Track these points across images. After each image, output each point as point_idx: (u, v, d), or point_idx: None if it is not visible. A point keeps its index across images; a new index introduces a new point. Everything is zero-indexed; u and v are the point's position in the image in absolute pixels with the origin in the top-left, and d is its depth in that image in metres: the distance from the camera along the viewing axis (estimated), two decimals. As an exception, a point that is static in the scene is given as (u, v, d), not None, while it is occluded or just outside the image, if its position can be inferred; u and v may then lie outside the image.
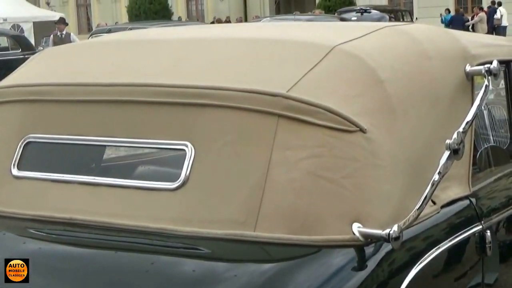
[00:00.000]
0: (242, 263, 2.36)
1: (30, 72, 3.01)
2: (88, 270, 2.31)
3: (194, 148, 2.43)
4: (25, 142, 2.73)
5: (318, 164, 2.33)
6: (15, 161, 2.71)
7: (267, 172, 2.33)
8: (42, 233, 2.63)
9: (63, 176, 2.64)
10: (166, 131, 2.51)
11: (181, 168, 2.43)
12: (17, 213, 2.60)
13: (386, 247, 2.25)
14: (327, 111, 2.36)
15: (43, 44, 19.59)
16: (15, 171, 2.70)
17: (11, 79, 3.00)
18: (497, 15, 29.65)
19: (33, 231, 2.64)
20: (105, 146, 2.64)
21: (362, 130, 2.35)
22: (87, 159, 2.79)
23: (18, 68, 3.11)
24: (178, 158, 2.50)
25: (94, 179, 2.60)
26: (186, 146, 2.45)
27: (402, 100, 2.53)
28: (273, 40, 2.80)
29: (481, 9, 31.79)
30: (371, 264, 2.24)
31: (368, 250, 2.25)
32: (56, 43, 16.92)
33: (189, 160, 2.43)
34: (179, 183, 2.42)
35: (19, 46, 19.33)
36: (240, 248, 2.32)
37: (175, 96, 2.51)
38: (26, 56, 18.23)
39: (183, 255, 2.42)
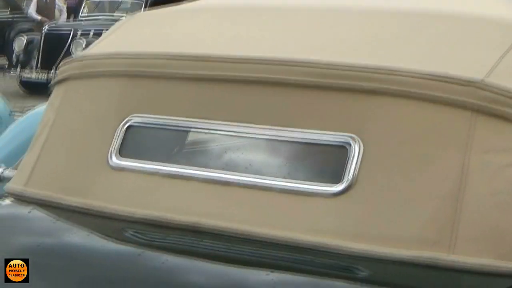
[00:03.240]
0: None
1: (127, 40, 2.49)
2: None
3: (363, 143, 1.95)
4: (127, 124, 2.22)
5: None
6: (114, 147, 2.20)
7: (463, 180, 1.86)
8: (158, 239, 2.14)
9: (179, 169, 2.14)
10: (324, 120, 2.02)
11: (345, 167, 1.94)
12: (120, 211, 2.11)
13: None
14: None
15: (24, 7, 18.75)
16: (114, 160, 2.20)
17: (101, 47, 2.48)
18: None
19: (146, 236, 2.15)
20: (237, 135, 2.14)
21: None
22: (211, 149, 2.29)
23: (105, 35, 2.59)
24: (337, 154, 2.00)
25: (223, 175, 2.10)
26: (353, 139, 1.96)
27: None
28: (446, 16, 2.29)
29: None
30: None
31: None
32: (39, 7, 16.16)
33: (357, 158, 1.94)
34: (344, 186, 1.93)
35: (8, 6, 18.34)
36: (434, 276, 1.84)
37: (339, 78, 2.01)
38: (15, 17, 17.44)
39: (354, 280, 1.92)
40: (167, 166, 2.16)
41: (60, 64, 2.47)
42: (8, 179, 2.61)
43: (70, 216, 2.18)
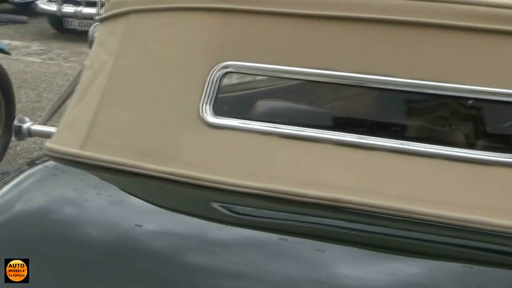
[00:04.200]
0: None
1: None
2: None
3: None
4: (221, 72, 1.74)
5: None
6: (206, 100, 1.73)
7: None
8: (287, 220, 1.68)
9: (301, 131, 1.67)
10: (501, 74, 1.56)
11: None
12: (225, 182, 1.65)
13: None
14: None
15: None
16: (209, 116, 1.73)
17: None
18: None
19: (270, 215, 1.68)
20: (377, 87, 1.64)
21: None
22: (341, 106, 1.79)
23: None
24: None
25: (365, 140, 1.63)
26: None
27: None
28: None
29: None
30: None
31: None
32: None
33: None
34: None
35: None
36: None
37: None
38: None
39: None
40: (284, 127, 1.68)
41: None
42: (36, 134, 2.18)
43: (155, 190, 1.74)
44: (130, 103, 1.81)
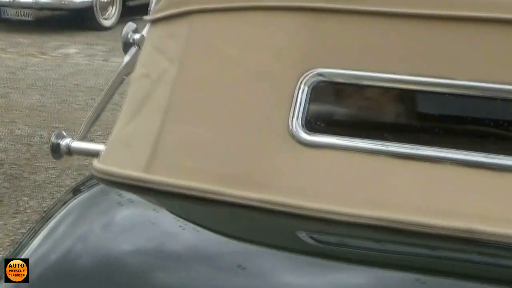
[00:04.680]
0: None
1: None
2: None
3: None
4: (313, 81, 1.50)
5: None
6: (296, 114, 1.49)
7: None
8: (411, 254, 1.45)
9: (416, 150, 1.45)
10: None
11: None
12: (332, 211, 1.42)
13: None
14: None
15: None
16: (302, 134, 1.48)
17: None
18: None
19: (388, 250, 1.45)
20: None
21: None
22: (461, 121, 1.55)
23: None
24: None
25: (498, 160, 1.41)
26: None
27: None
28: None
29: None
30: None
31: None
32: None
33: None
34: None
35: None
36: None
37: None
38: None
39: None
40: (396, 145, 1.45)
41: None
42: (77, 152, 1.91)
43: (249, 221, 1.50)
44: (203, 118, 1.56)
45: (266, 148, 1.49)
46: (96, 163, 1.67)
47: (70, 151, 1.89)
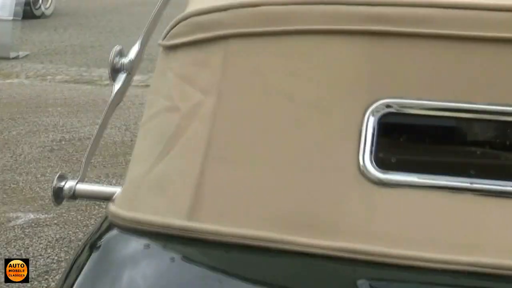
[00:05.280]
0: None
1: None
2: None
3: None
4: (381, 113, 1.35)
5: None
6: (365, 149, 1.33)
7: None
8: None
9: (503, 185, 1.31)
10: None
11: None
12: (416, 257, 1.27)
13: None
14: None
15: None
16: (374, 171, 1.32)
17: None
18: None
19: None
20: None
21: None
22: None
23: None
24: None
25: None
26: None
27: None
28: None
29: None
30: None
31: None
32: None
33: None
34: None
35: None
36: None
37: None
38: None
39: None
40: (479, 181, 1.31)
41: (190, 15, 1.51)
42: (83, 195, 1.69)
43: (311, 271, 1.32)
44: (251, 156, 1.38)
45: (332, 188, 1.33)
46: (114, 208, 1.46)
47: (74, 195, 1.65)
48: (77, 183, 1.66)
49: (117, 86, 1.79)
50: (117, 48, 1.81)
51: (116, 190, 1.55)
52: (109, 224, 1.47)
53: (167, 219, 1.38)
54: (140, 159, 1.49)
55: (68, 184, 1.65)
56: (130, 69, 1.82)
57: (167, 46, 1.53)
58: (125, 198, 1.48)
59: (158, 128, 1.48)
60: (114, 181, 4.99)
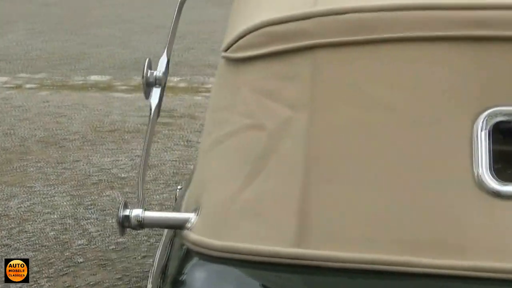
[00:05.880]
0: None
1: None
2: None
3: None
4: (493, 122, 1.28)
5: None
6: (481, 160, 1.26)
7: None
8: None
9: None
10: None
11: None
12: None
13: None
14: None
15: None
16: (492, 184, 1.26)
17: None
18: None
19: None
20: None
21: None
22: None
23: None
24: None
25: None
26: None
27: None
28: None
29: None
30: None
31: None
32: None
33: None
34: None
35: None
36: None
37: None
38: None
39: None
40: None
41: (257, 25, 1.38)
42: (152, 224, 1.54)
43: None
44: (360, 175, 1.29)
45: (451, 204, 1.26)
46: (196, 236, 1.35)
47: (142, 224, 1.50)
48: (143, 211, 1.51)
49: (154, 101, 1.66)
50: (147, 61, 1.68)
51: (189, 216, 1.42)
52: (191, 254, 1.35)
53: (271, 246, 1.28)
54: (221, 182, 1.37)
55: (134, 213, 1.50)
56: (161, 82, 1.70)
57: (235, 59, 1.41)
58: (208, 225, 1.36)
59: (240, 148, 1.37)
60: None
